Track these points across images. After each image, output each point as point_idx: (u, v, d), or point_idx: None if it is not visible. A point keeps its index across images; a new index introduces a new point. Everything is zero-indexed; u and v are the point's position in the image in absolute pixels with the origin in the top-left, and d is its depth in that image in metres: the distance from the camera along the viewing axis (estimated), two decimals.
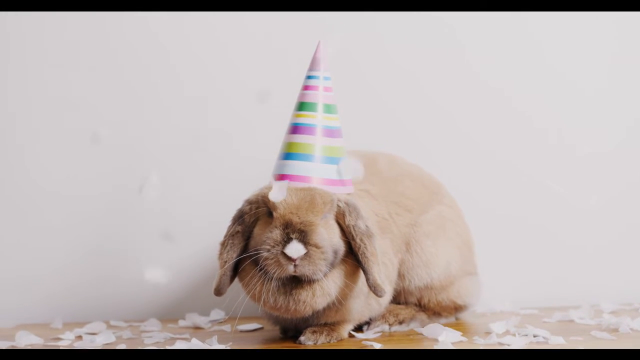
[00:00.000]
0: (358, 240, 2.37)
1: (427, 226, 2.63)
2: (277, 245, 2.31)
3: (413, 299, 2.64)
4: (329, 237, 2.34)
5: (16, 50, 3.01)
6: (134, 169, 3.02)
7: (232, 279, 2.42)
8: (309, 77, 2.48)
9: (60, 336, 2.64)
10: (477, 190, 3.03)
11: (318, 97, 2.46)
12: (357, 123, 2.96)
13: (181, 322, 2.81)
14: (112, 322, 2.86)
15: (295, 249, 2.29)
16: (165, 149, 3.02)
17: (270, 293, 2.34)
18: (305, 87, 2.48)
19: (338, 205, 2.38)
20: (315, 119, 2.45)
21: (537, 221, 3.07)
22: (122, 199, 3.02)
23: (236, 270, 2.42)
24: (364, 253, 2.36)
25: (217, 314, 2.85)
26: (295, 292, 2.34)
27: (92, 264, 3.01)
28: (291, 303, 2.35)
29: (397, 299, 2.63)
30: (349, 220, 2.38)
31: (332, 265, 2.35)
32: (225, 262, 2.40)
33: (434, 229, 2.63)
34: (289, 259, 2.29)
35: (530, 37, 3.07)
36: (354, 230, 2.37)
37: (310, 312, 2.38)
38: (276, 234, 2.32)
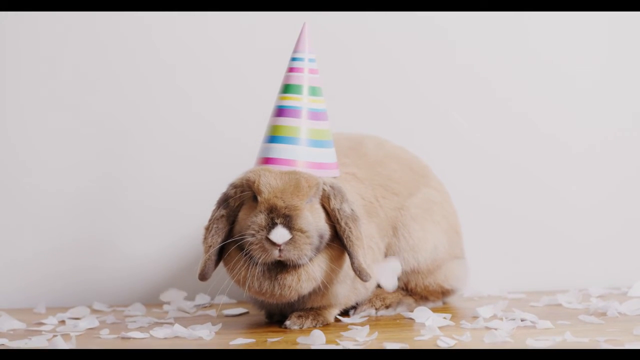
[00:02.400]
0: (343, 224, 2.35)
1: (414, 210, 2.61)
2: (262, 230, 2.28)
3: (400, 283, 2.61)
4: (314, 221, 2.32)
5: (9, 47, 2.97)
6: (119, 157, 2.99)
7: (216, 264, 2.39)
8: (293, 59, 2.45)
9: (43, 321, 2.61)
10: (464, 174, 3.01)
11: (303, 79, 2.43)
12: (343, 106, 2.95)
13: (165, 307, 2.79)
14: (96, 307, 2.84)
15: (280, 234, 2.27)
16: (148, 135, 2.99)
17: (255, 278, 2.32)
18: (290, 69, 2.45)
19: (323, 189, 2.36)
20: (300, 101, 2.42)
21: (524, 206, 3.05)
22: (106, 186, 2.99)
23: (221, 254, 2.39)
24: (349, 237, 2.34)
25: (202, 299, 2.83)
26: (280, 276, 2.32)
27: (77, 249, 2.98)
28: (276, 288, 2.32)
29: None
30: (333, 204, 2.36)
31: (318, 250, 2.33)
32: (210, 246, 2.37)
33: (421, 213, 2.61)
34: (274, 244, 2.27)
35: (518, 27, 3.05)
36: (339, 214, 2.35)
37: (295, 297, 2.36)
38: (261, 218, 2.29)
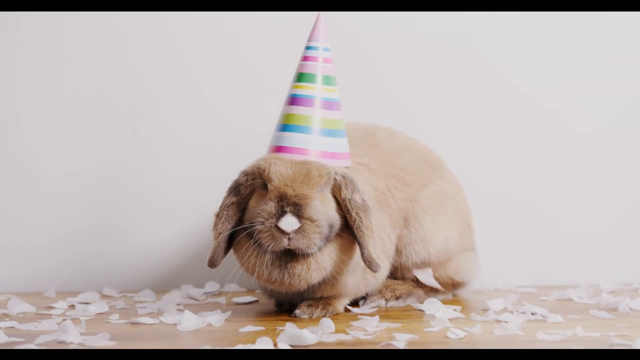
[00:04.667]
0: (354, 214, 2.34)
1: (426, 201, 2.60)
2: (271, 218, 2.27)
3: (410, 275, 2.60)
4: (324, 210, 2.31)
5: (21, 40, 2.98)
6: (128, 144, 2.99)
7: (226, 251, 2.39)
8: (308, 48, 2.44)
9: (53, 305, 2.62)
10: (475, 167, 3.00)
11: (317, 68, 2.42)
12: (357, 96, 2.94)
13: (175, 293, 2.78)
14: (106, 292, 2.84)
15: (289, 222, 2.26)
16: (160, 122, 2.99)
17: (265, 266, 2.31)
18: (305, 58, 2.44)
19: (335, 179, 2.35)
20: (314, 90, 2.41)
21: (536, 200, 3.04)
22: (115, 173, 2.99)
23: (231, 242, 2.39)
24: (360, 227, 2.33)
25: (212, 286, 2.83)
26: (290, 265, 2.31)
27: (87, 235, 2.99)
28: (286, 277, 2.32)
29: (394, 274, 2.60)
30: (345, 194, 2.35)
31: (328, 239, 2.32)
32: (220, 233, 2.36)
33: (433, 205, 2.60)
34: (283, 232, 2.26)
35: (528, 15, 3.04)
36: (350, 204, 2.34)
37: (305, 286, 2.36)
38: (270, 206, 2.28)
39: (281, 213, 2.27)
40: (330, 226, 2.33)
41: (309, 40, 2.45)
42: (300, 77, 2.43)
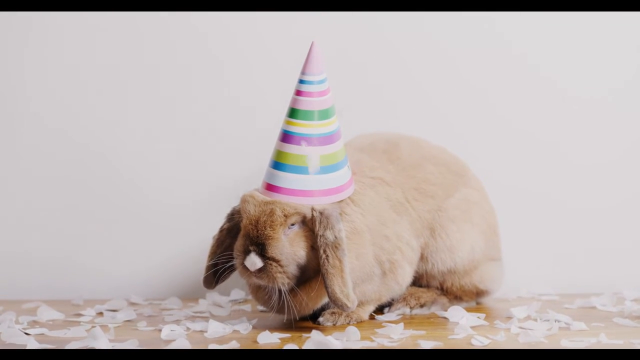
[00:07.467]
0: (321, 251, 2.32)
1: (452, 211, 2.60)
2: (240, 255, 2.34)
3: (435, 283, 2.62)
4: (291, 250, 2.33)
5: (32, 40, 3.01)
6: (156, 152, 3.02)
7: (220, 273, 2.45)
8: (302, 82, 2.36)
9: (82, 312, 2.65)
10: (498, 173, 2.99)
11: (313, 104, 2.36)
12: (384, 98, 2.96)
13: (201, 302, 2.81)
14: (133, 300, 2.87)
15: (251, 262, 2.31)
16: (189, 129, 3.03)
17: (259, 297, 2.41)
18: (298, 93, 2.37)
19: (313, 215, 2.35)
20: (310, 128, 2.36)
21: (558, 208, 3.04)
22: (144, 179, 3.02)
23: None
24: (324, 264, 2.31)
25: (238, 294, 2.85)
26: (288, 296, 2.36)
27: (114, 242, 3.01)
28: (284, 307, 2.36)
29: (419, 281, 2.62)
30: (317, 230, 2.33)
31: (300, 278, 2.35)
32: (209, 255, 2.45)
33: (459, 214, 2.61)
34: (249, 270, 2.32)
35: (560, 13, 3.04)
36: (320, 241, 2.33)
37: (310, 312, 2.41)
38: (240, 243, 2.35)
39: (247, 252, 2.32)
40: (300, 266, 2.35)
41: (302, 73, 2.36)
42: (294, 113, 2.37)
